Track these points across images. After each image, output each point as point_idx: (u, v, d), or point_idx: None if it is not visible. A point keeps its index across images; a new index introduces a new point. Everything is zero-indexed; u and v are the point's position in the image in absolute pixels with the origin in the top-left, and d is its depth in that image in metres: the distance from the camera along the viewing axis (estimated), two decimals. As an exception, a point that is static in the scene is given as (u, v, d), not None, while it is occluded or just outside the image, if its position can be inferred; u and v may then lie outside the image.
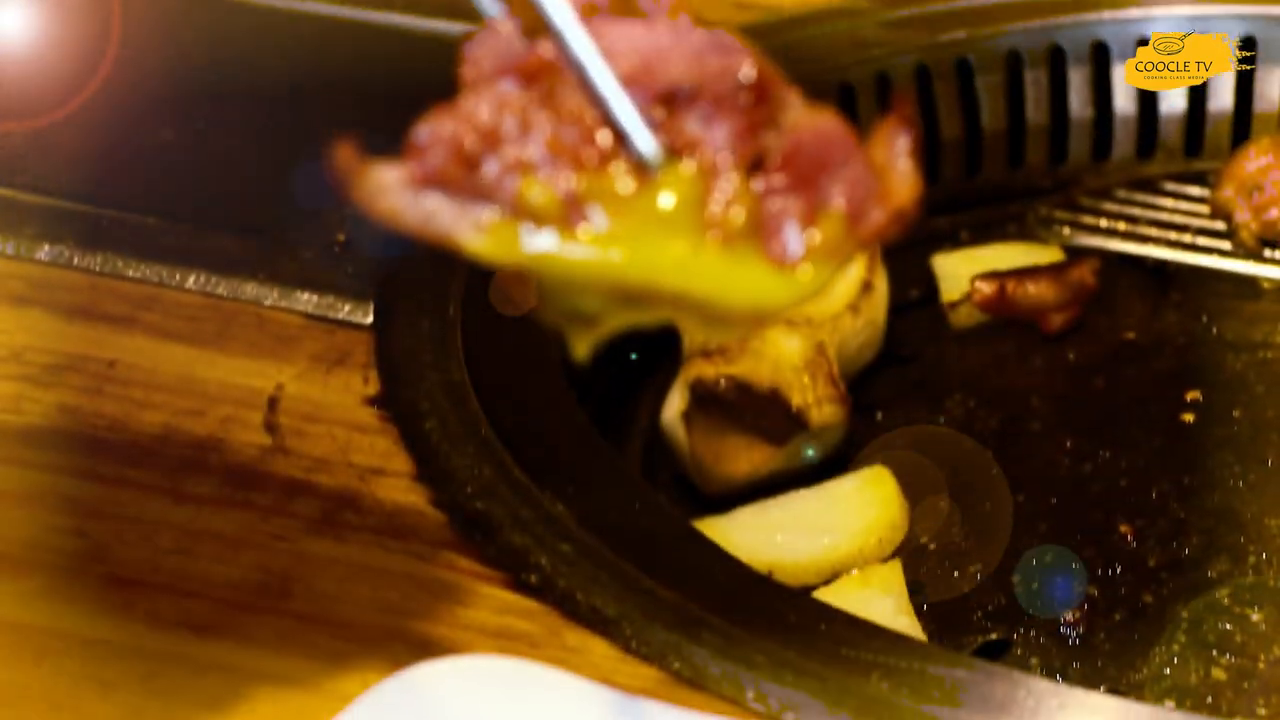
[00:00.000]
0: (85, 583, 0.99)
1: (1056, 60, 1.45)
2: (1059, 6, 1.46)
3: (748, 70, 0.68)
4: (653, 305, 0.68)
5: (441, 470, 1.05)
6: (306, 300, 1.19)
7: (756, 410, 1.18)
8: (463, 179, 0.67)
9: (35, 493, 1.05)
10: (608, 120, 0.67)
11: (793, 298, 0.68)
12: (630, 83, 0.67)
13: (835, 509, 1.14)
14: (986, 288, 1.32)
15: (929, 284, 1.36)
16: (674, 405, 1.21)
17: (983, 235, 1.40)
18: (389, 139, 0.70)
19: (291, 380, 1.13)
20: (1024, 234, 1.41)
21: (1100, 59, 1.45)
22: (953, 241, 1.40)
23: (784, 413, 1.18)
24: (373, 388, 1.12)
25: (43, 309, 1.20)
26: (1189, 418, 1.24)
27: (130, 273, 1.22)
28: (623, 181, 0.67)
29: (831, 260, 0.68)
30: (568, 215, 0.67)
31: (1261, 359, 1.29)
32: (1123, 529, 1.15)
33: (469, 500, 1.03)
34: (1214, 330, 1.32)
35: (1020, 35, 1.45)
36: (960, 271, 1.35)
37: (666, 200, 0.67)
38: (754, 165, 0.68)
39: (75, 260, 1.23)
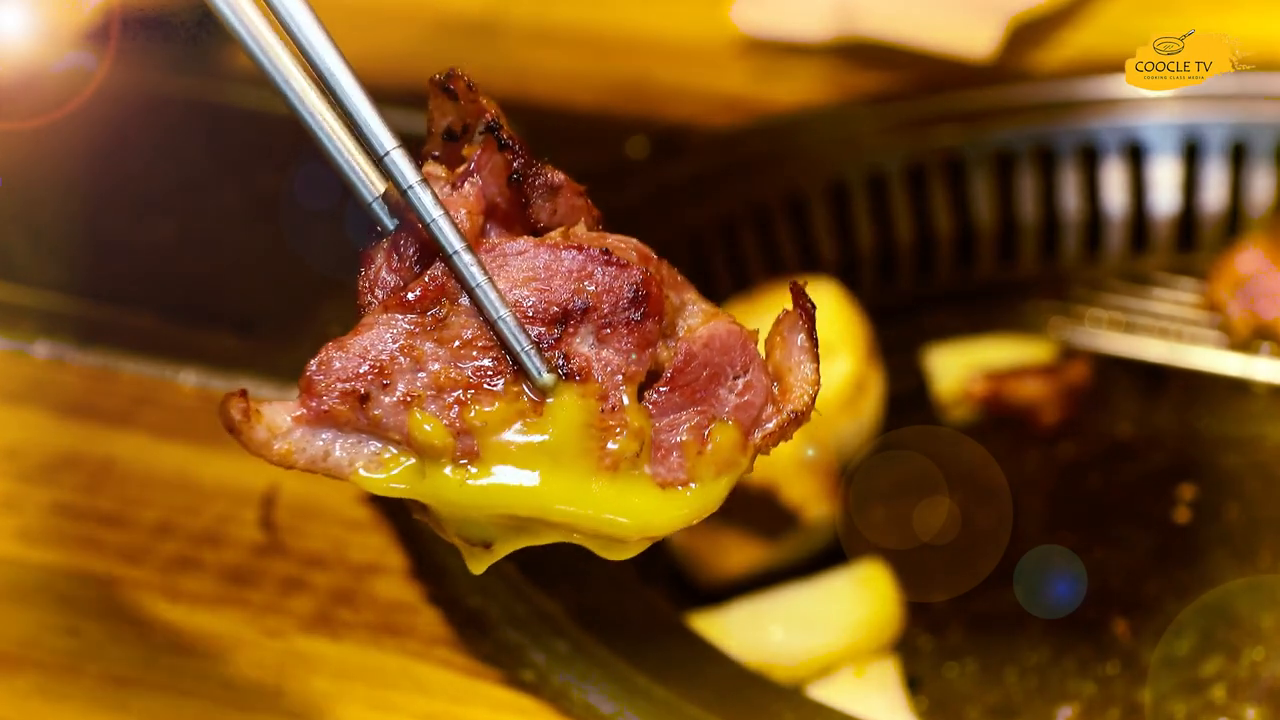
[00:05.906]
0: (79, 681, 0.99)
1: (1048, 160, 1.46)
2: (1049, 109, 1.47)
3: (636, 287, 0.67)
4: (545, 531, 0.69)
5: (437, 567, 1.05)
6: (302, 396, 1.19)
7: (750, 506, 1.18)
8: (355, 416, 0.67)
9: (30, 590, 1.05)
10: (502, 345, 0.67)
11: (683, 520, 0.68)
12: (521, 306, 0.67)
13: (829, 604, 1.14)
14: (982, 388, 1.33)
15: (923, 377, 1.37)
16: (669, 501, 1.21)
17: (976, 329, 1.41)
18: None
19: (287, 477, 1.12)
20: (1017, 327, 1.41)
21: (1091, 160, 1.46)
22: (946, 335, 1.41)
23: (777, 509, 1.18)
24: (368, 484, 1.12)
25: (39, 406, 1.20)
26: (1183, 515, 1.24)
27: (127, 369, 1.22)
28: (516, 408, 0.67)
29: (723, 475, 0.69)
30: (459, 448, 0.67)
31: (1254, 456, 1.30)
32: (1117, 626, 1.15)
33: (464, 597, 1.03)
34: (1207, 427, 1.33)
35: (1011, 136, 1.46)
36: (953, 365, 1.36)
37: (557, 428, 0.67)
38: (647, 380, 0.68)
39: (72, 357, 1.24)
